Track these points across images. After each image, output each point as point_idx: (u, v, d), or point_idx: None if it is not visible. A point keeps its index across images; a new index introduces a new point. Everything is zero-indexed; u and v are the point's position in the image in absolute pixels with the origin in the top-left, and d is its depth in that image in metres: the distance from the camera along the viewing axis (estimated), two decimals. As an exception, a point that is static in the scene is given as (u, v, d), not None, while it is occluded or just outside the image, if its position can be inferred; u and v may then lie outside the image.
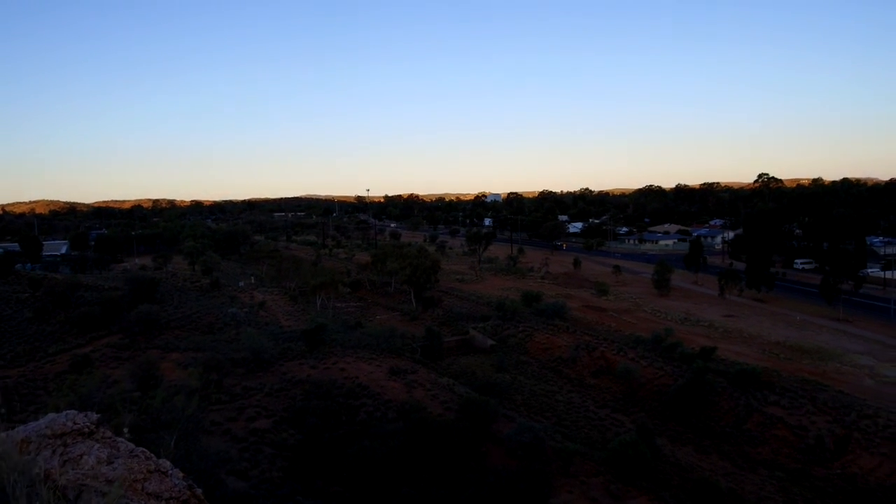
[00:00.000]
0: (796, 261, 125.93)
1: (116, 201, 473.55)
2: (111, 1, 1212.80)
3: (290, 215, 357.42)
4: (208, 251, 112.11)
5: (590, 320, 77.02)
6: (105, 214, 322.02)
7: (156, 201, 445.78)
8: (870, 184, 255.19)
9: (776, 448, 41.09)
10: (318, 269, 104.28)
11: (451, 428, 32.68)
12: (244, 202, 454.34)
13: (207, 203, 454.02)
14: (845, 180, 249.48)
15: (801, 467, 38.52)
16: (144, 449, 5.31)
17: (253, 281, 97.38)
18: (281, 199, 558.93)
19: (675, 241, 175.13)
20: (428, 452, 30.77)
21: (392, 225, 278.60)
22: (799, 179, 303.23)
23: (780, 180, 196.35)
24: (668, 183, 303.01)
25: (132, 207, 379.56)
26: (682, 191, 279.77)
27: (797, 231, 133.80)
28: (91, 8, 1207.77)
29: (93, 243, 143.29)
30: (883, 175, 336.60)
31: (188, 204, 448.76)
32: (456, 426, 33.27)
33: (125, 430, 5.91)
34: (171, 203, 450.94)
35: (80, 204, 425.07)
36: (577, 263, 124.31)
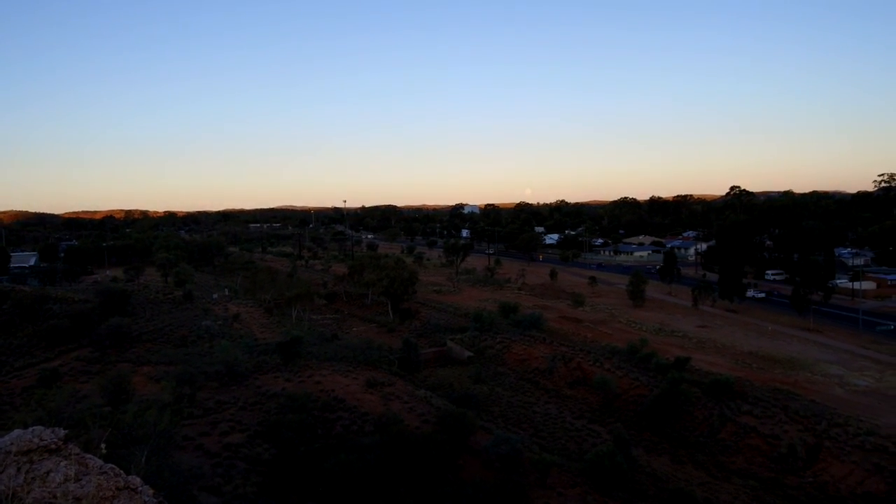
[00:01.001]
0: (767, 272, 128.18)
1: (88, 212, 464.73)
2: (83, 8, 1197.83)
3: (265, 226, 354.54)
4: (181, 263, 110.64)
5: (566, 331, 77.42)
6: (76, 225, 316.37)
7: (128, 212, 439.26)
8: (838, 196, 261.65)
9: (750, 457, 41.58)
10: (293, 281, 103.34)
11: (428, 441, 32.51)
12: (219, 213, 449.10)
13: (181, 214, 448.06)
14: (814, 193, 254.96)
15: (774, 476, 39.02)
16: (114, 465, 5.19)
17: (227, 293, 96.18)
18: (257, 209, 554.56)
19: (650, 252, 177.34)
20: (405, 466, 30.55)
21: (369, 236, 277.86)
22: (769, 192, 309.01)
23: (752, 193, 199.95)
24: (643, 195, 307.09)
25: (104, 218, 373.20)
26: (656, 203, 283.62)
27: (768, 243, 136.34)
28: (64, 14, 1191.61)
29: (63, 255, 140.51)
30: (850, 188, 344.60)
31: (161, 215, 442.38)
32: (433, 439, 33.10)
33: (103, 446, 5.78)
34: (144, 214, 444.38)
35: (50, 215, 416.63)
36: (553, 275, 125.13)
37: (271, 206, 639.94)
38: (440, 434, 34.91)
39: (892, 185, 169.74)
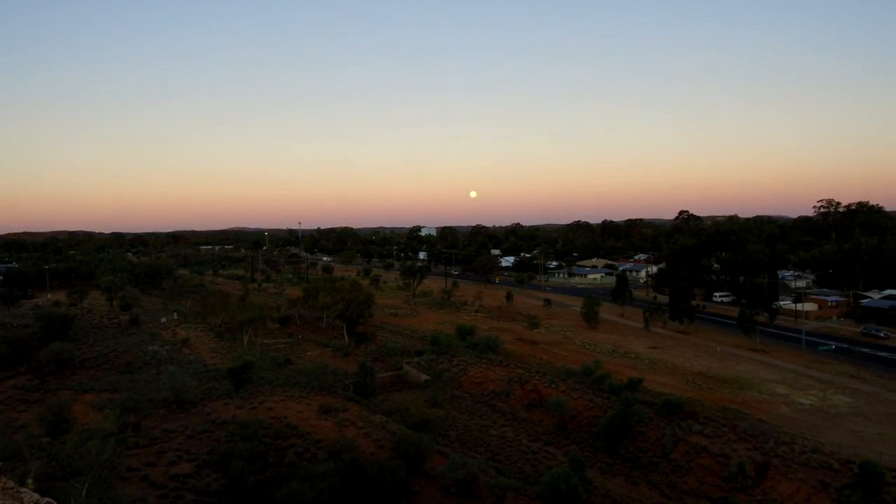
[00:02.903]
0: (715, 294, 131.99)
1: (30, 233, 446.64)
2: (37, 20, 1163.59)
3: (217, 248, 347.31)
4: (128, 286, 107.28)
5: (522, 353, 77.81)
6: (17, 247, 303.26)
7: (72, 233, 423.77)
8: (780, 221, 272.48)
9: (701, 476, 42.29)
10: (245, 305, 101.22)
11: (383, 467, 31.98)
12: (168, 235, 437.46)
13: (129, 236, 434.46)
14: (758, 217, 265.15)
15: (725, 495, 39.76)
16: (51, 500, 4.94)
17: (176, 317, 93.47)
18: (208, 231, 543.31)
19: (603, 274, 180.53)
20: (359, 493, 29.95)
21: (325, 258, 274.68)
22: (716, 216, 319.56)
23: (699, 217, 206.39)
24: (595, 219, 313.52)
25: (47, 240, 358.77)
26: (608, 226, 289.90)
27: (715, 266, 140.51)
28: (17, 27, 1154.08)
29: (2, 278, 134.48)
30: (792, 213, 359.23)
31: (108, 236, 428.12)
32: (388, 465, 32.60)
33: (29, 481, 5.48)
34: (90, 235, 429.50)
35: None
36: (509, 297, 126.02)
37: (223, 228, 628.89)
38: (396, 460, 34.41)
39: (831, 210, 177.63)
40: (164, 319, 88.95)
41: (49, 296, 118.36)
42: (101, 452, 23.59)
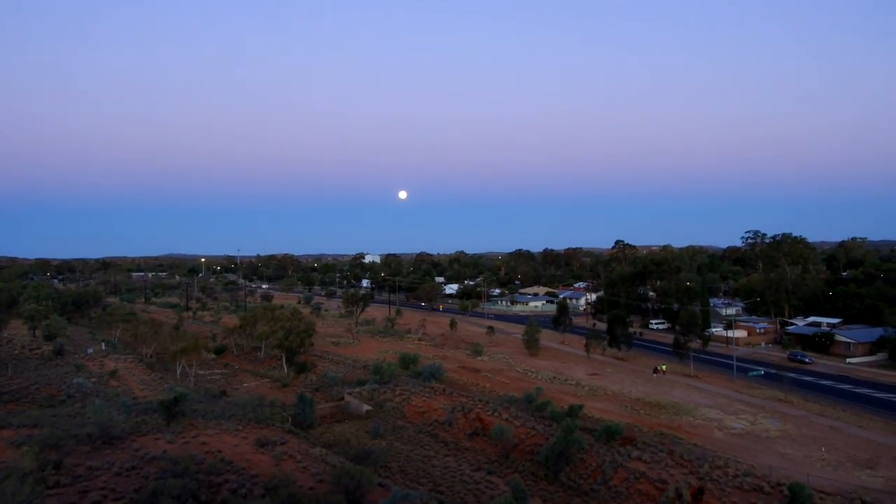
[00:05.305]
0: (651, 321, 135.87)
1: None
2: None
3: (150, 275, 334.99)
4: (53, 314, 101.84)
5: (465, 381, 77.70)
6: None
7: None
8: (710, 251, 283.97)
9: (640, 502, 42.84)
10: (179, 334, 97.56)
11: (322, 502, 31.03)
12: (98, 261, 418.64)
13: (55, 262, 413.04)
14: (690, 247, 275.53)
15: (663, 520, 40.33)
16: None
17: (104, 347, 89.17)
18: (140, 258, 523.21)
19: (544, 302, 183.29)
20: (297, 530, 28.90)
21: (264, 286, 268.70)
22: (650, 245, 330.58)
23: (635, 246, 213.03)
24: (537, 247, 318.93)
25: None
26: (549, 255, 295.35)
27: (651, 293, 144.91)
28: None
29: None
30: (721, 243, 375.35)
31: (32, 262, 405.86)
32: (327, 499, 31.64)
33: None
34: (12, 261, 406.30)
35: None
36: (453, 324, 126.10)
37: (157, 255, 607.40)
38: (335, 494, 33.46)
39: (757, 241, 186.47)
40: (90, 350, 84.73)
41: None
42: (17, 493, 22.03)
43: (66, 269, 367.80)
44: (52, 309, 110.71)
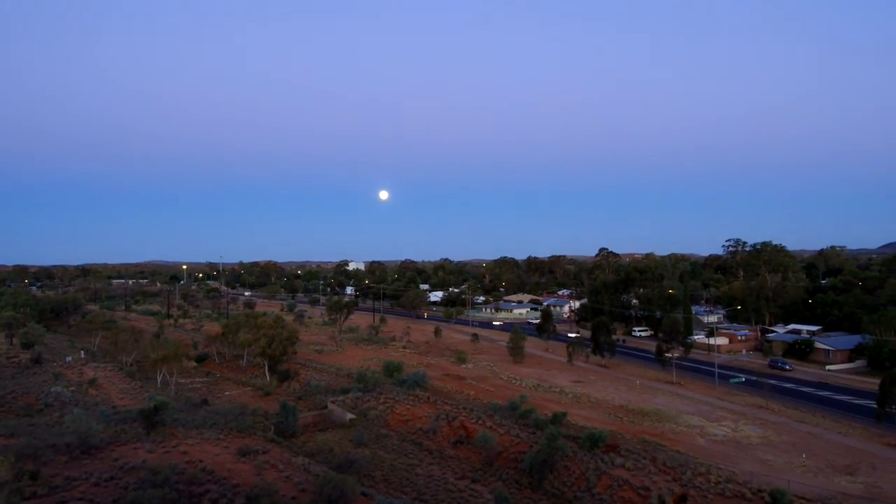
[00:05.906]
0: (634, 329, 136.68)
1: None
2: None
3: (131, 282, 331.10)
4: (31, 322, 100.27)
5: (449, 389, 77.52)
6: None
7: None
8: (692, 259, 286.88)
9: (623, 509, 42.93)
10: (160, 342, 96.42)
11: (305, 511, 30.73)
12: (77, 268, 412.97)
13: (33, 268, 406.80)
14: (672, 255, 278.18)
15: (646, 527, 40.43)
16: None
17: (83, 355, 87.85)
18: (121, 265, 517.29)
19: (528, 309, 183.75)
20: (279, 540, 28.57)
21: (247, 293, 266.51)
22: (633, 253, 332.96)
23: (618, 254, 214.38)
24: (521, 255, 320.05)
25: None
26: (533, 262, 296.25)
27: (634, 301, 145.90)
28: None
29: None
30: (703, 251, 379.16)
31: (10, 269, 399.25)
32: (311, 509, 31.35)
33: None
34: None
35: None
36: (437, 332, 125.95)
37: (138, 262, 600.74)
38: (318, 503, 33.16)
39: (738, 249, 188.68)
40: (69, 358, 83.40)
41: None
42: (-10, 506, 21.56)
43: (45, 275, 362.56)
44: (29, 316, 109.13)
